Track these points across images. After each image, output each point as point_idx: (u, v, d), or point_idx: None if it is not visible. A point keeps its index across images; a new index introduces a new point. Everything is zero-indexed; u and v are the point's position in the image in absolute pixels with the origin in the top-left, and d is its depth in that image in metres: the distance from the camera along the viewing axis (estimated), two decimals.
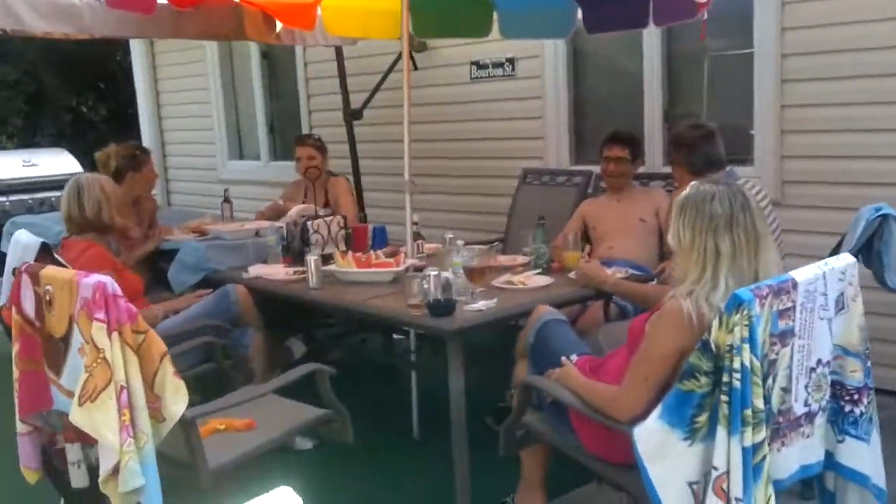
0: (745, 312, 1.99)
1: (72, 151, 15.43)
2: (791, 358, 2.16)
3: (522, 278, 3.37)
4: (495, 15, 4.74)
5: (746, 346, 2.00)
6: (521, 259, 3.68)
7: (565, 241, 3.66)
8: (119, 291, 2.23)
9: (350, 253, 3.66)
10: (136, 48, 8.90)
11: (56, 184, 6.90)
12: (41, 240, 2.93)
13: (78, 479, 2.80)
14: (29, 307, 2.52)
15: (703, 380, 2.05)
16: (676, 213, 2.25)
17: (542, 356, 2.69)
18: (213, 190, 8.04)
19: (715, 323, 2.04)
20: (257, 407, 2.80)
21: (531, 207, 5.18)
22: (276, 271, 3.72)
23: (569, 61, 5.31)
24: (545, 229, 3.58)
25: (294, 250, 4.08)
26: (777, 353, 2.12)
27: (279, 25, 4.64)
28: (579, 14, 4.41)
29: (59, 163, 8.25)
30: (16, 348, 2.56)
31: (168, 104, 8.89)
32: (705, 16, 3.64)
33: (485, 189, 5.76)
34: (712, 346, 2.04)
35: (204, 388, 3.34)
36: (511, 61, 5.54)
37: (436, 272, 3.00)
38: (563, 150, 5.36)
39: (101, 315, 2.20)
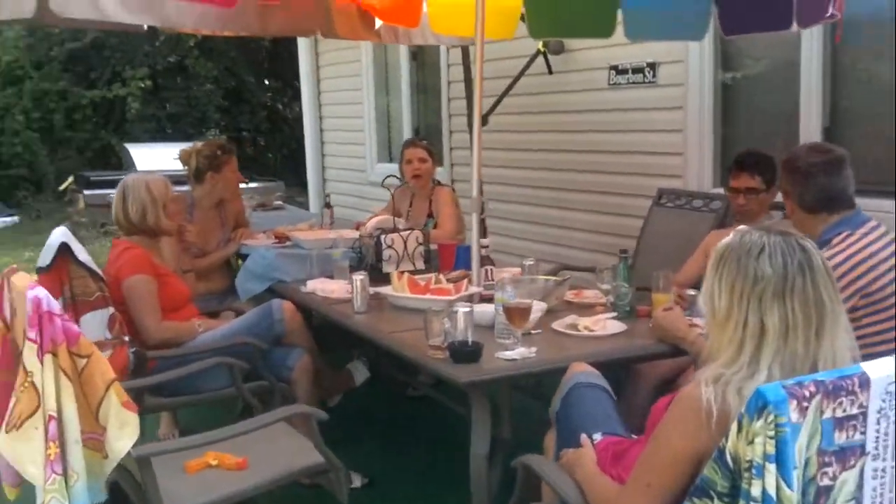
0: (772, 418, 1.42)
1: (266, 146, 16.30)
2: (859, 486, 1.54)
3: (591, 322, 2.85)
4: (619, 14, 4.20)
5: (772, 467, 1.42)
6: (600, 297, 3.14)
7: (685, 278, 3.10)
8: (56, 308, 2.00)
9: (406, 275, 3.28)
10: (303, 46, 8.99)
11: None
12: (62, 240, 2.79)
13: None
14: (7, 313, 2.36)
15: (718, 503, 1.51)
16: (713, 266, 1.69)
17: (565, 428, 2.19)
18: (364, 192, 7.97)
19: (733, 427, 1.48)
20: (257, 441, 2.51)
21: (663, 232, 4.62)
22: (334, 288, 3.41)
23: (716, 67, 4.63)
24: (628, 264, 3.02)
25: (366, 265, 3.78)
26: (833, 478, 1.51)
27: (379, 22, 4.36)
28: (715, 13, 3.79)
29: None
30: None
31: (327, 104, 8.93)
32: (838, 15, 2.94)
33: (614, 208, 5.19)
34: (728, 458, 1.48)
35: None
36: (652, 66, 4.94)
37: (466, 309, 2.56)
38: (706, 169, 4.69)
39: (32, 334, 1.97)
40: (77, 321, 2.80)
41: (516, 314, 2.60)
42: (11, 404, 1.98)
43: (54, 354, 1.97)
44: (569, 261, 5.36)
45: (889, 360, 1.56)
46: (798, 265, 1.61)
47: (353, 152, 8.34)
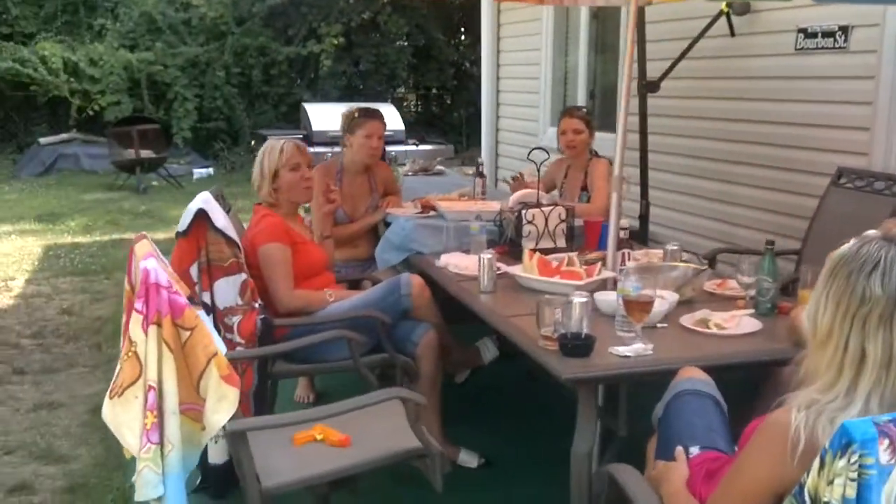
0: (857, 458, 1.23)
1: (452, 104, 16.44)
2: None
3: (723, 319, 2.62)
4: None
5: None
6: (740, 291, 2.88)
7: None
8: (164, 282, 2.07)
9: (537, 255, 3.16)
10: (486, 3, 8.87)
11: None
12: (200, 206, 2.90)
13: (215, 454, 2.79)
14: (134, 279, 2.49)
15: None
16: (823, 277, 1.49)
17: (664, 437, 2.03)
18: (535, 156, 7.82)
19: (815, 462, 1.29)
20: (366, 419, 2.53)
21: (839, 216, 4.22)
22: (468, 264, 3.35)
23: None
24: (774, 257, 2.74)
25: (506, 240, 3.69)
26: None
27: None
28: None
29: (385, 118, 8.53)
30: (123, 319, 2.55)
31: (506, 64, 8.79)
32: None
33: (790, 185, 4.75)
34: (807, 496, 1.30)
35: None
36: (844, 30, 4.43)
37: (583, 298, 2.42)
38: (894, 148, 4.18)
39: (139, 305, 2.06)
40: (211, 285, 2.93)
41: (635, 307, 2.43)
42: (116, 372, 2.08)
43: (158, 325, 2.05)
44: (736, 240, 5.02)
45: None
46: None
47: (527, 115, 8.19)
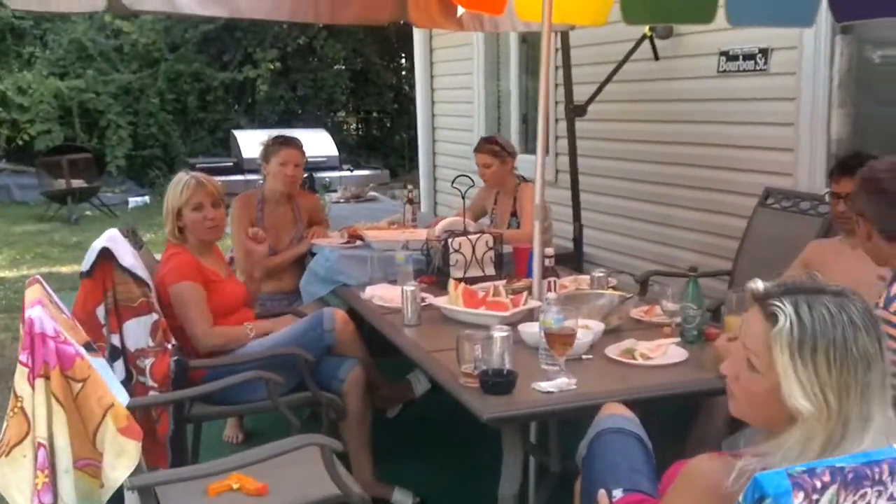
0: None
1: (392, 127, 16.43)
2: None
3: (648, 349, 2.58)
4: None
5: None
6: (664, 318, 2.85)
7: None
8: (51, 331, 1.94)
9: (462, 285, 3.09)
10: (418, 30, 8.86)
11: (309, 166, 6.98)
12: (105, 244, 2.77)
13: None
14: None
15: None
16: (796, 357, 1.37)
17: (587, 478, 1.96)
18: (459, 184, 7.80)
19: None
20: (284, 465, 2.41)
21: (767, 236, 4.26)
22: (393, 296, 3.26)
23: (832, 55, 4.16)
24: (697, 283, 2.71)
25: (434, 269, 3.62)
26: None
27: (461, 10, 4.15)
28: None
29: (316, 144, 8.42)
30: None
31: (440, 88, 8.78)
32: None
33: (719, 206, 4.79)
34: None
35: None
36: (764, 52, 4.50)
37: (503, 333, 2.35)
38: (818, 168, 4.23)
39: (24, 357, 1.93)
40: (120, 327, 2.80)
41: (558, 340, 2.37)
42: (2, 430, 1.95)
43: (46, 378, 1.92)
44: (670, 260, 5.03)
45: None
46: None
47: (462, 139, 8.17)
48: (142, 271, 2.88)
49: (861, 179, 2.24)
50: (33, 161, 11.89)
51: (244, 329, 3.17)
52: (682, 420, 2.80)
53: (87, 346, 2.21)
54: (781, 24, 3.84)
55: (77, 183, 10.74)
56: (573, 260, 5.16)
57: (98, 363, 2.18)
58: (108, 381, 2.13)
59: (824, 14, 3.59)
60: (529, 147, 7.14)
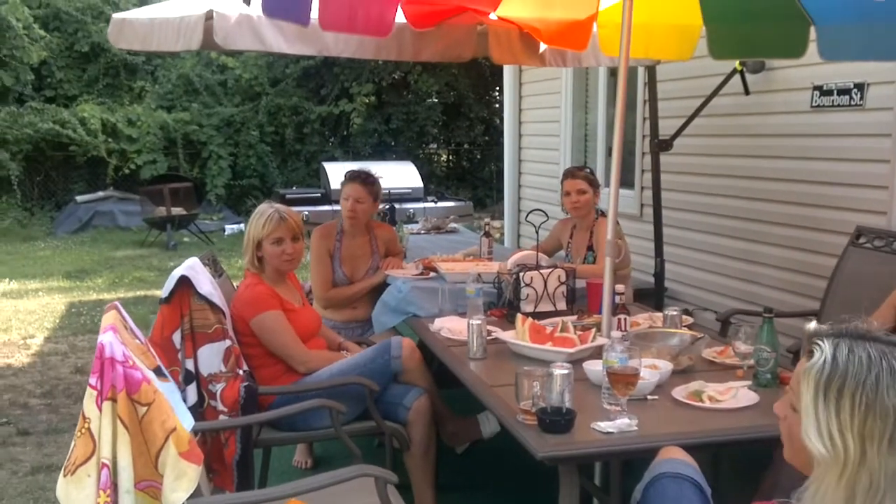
0: None
1: (482, 160, 16.54)
2: None
3: (717, 391, 2.49)
4: (812, 31, 3.72)
5: None
6: (738, 360, 2.75)
7: None
8: (120, 356, 2.02)
9: (529, 320, 3.07)
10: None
11: (393, 197, 7.11)
12: (183, 273, 2.87)
13: None
14: None
15: None
16: (820, 395, 1.34)
17: None
18: (558, 213, 7.76)
19: None
20: (339, 495, 2.43)
21: (858, 276, 4.08)
22: (462, 328, 3.25)
23: None
24: (772, 325, 2.61)
25: (505, 303, 3.61)
26: None
27: (543, 46, 4.16)
28: None
29: (401, 176, 8.53)
30: None
31: (528, 121, 8.79)
32: None
33: (808, 244, 4.61)
34: None
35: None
36: (860, 87, 4.33)
37: (565, 371, 2.32)
38: None
39: (93, 380, 2.00)
40: (195, 352, 2.88)
41: (620, 380, 2.32)
42: (70, 449, 2.03)
43: (113, 401, 1.99)
44: (755, 298, 4.87)
45: None
46: None
47: (548, 171, 8.14)
48: (218, 299, 2.97)
49: None
50: (138, 189, 12.49)
51: (341, 354, 3.25)
52: (761, 467, 2.70)
53: (157, 371, 2.29)
54: (878, 58, 3.69)
55: (177, 210, 11.20)
56: (654, 296, 5.05)
57: (166, 387, 2.25)
58: (174, 405, 2.19)
59: None
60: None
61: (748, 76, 4.99)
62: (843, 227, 4.27)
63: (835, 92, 4.49)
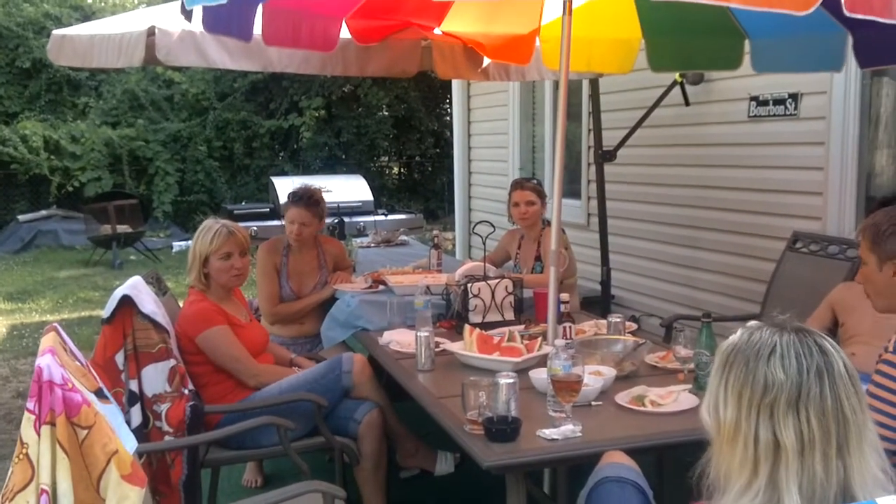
0: None
1: (433, 172, 16.58)
2: None
3: (658, 395, 2.54)
4: (747, 44, 3.84)
5: None
6: (678, 365, 2.81)
7: None
8: (59, 379, 1.99)
9: (477, 330, 3.09)
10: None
11: (342, 211, 7.09)
12: (125, 292, 2.84)
13: None
14: None
15: None
16: (718, 369, 1.43)
17: None
18: (507, 224, 7.81)
19: None
20: None
21: (795, 280, 4.21)
22: (410, 340, 3.27)
23: (863, 100, 4.12)
24: (711, 329, 2.68)
25: (454, 314, 3.63)
26: None
27: (486, 60, 4.22)
28: (850, 43, 3.36)
29: (351, 189, 8.53)
30: None
31: (477, 133, 8.86)
32: None
33: (748, 249, 4.74)
34: None
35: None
36: (794, 97, 4.47)
37: (510, 380, 2.34)
38: (847, 212, 4.17)
39: (31, 405, 1.97)
40: (138, 373, 2.85)
41: (563, 387, 2.36)
42: (7, 476, 1.99)
43: (52, 425, 1.95)
44: (698, 304, 4.98)
45: None
46: (816, 369, 1.35)
47: (498, 183, 8.21)
48: (162, 318, 2.94)
49: (871, 223, 2.20)
50: (82, 207, 12.27)
51: (292, 369, 3.23)
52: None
53: (98, 393, 2.26)
54: (807, 70, 3.82)
55: (123, 228, 11.01)
56: (601, 304, 5.12)
57: (108, 409, 2.22)
58: (115, 427, 2.16)
59: (852, 58, 3.56)
60: (564, 191, 7.11)
61: (688, 87, 5.11)
62: (781, 233, 4.39)
63: (770, 102, 4.63)
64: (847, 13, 1.80)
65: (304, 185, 4.16)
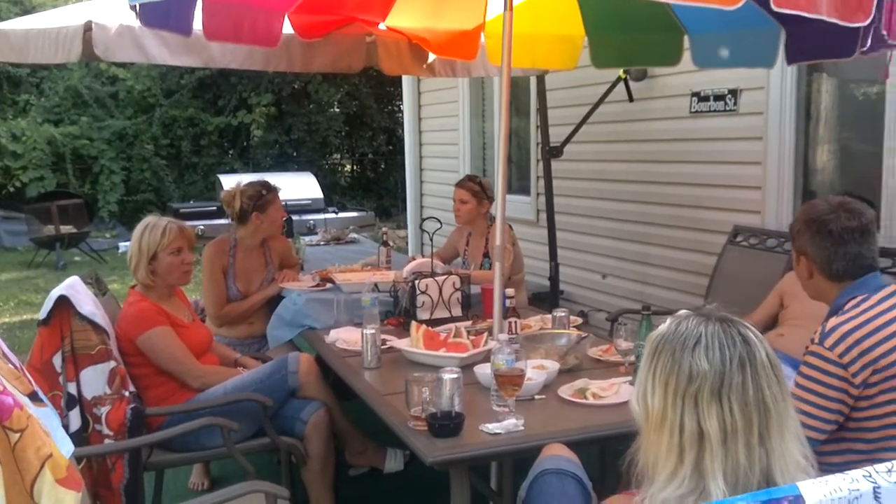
0: None
1: (386, 169, 16.53)
2: None
3: (600, 388, 2.58)
4: (686, 40, 3.90)
5: None
6: (620, 357, 2.85)
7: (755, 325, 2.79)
8: None
9: (423, 327, 3.10)
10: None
11: (291, 209, 7.02)
12: (62, 293, 2.78)
13: None
14: None
15: None
16: (647, 359, 1.47)
17: None
18: (427, 226, 7.83)
19: None
20: None
21: (736, 273, 4.29)
22: (356, 338, 3.25)
23: (799, 95, 4.22)
24: (651, 322, 2.72)
25: (401, 311, 3.63)
26: None
27: (432, 56, 4.22)
28: (783, 39, 3.44)
29: (301, 187, 8.46)
30: None
31: (428, 130, 8.86)
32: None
33: (692, 244, 4.82)
34: None
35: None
36: (734, 93, 4.55)
37: (454, 375, 2.35)
38: (785, 206, 4.27)
39: None
40: (77, 375, 2.79)
41: (506, 381, 2.37)
42: None
43: None
44: (645, 298, 5.03)
45: (838, 477, 1.25)
46: (739, 358, 1.39)
47: (449, 179, 8.20)
48: (102, 319, 2.89)
49: (805, 221, 2.25)
50: (23, 207, 11.97)
51: (237, 370, 3.20)
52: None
53: (33, 396, 2.20)
54: (744, 65, 3.90)
55: (66, 229, 10.75)
56: (549, 299, 5.16)
57: (42, 412, 2.17)
58: (51, 430, 2.11)
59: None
60: (514, 187, 7.18)
61: (632, 84, 5.17)
62: (722, 227, 4.48)
63: (711, 98, 4.71)
64: (774, 8, 1.84)
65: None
